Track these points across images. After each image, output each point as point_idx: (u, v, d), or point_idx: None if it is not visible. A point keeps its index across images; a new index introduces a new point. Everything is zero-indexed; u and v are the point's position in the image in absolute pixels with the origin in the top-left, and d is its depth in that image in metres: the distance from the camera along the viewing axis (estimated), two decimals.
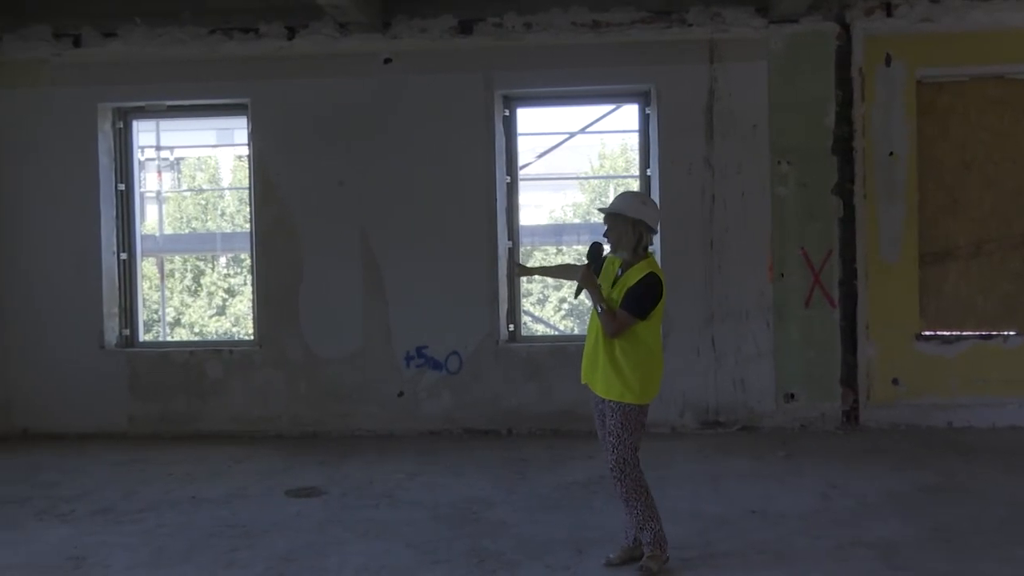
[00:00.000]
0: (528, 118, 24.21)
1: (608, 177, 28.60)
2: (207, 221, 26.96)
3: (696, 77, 8.84)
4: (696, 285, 8.85)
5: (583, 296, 5.44)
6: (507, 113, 9.25)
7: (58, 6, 9.06)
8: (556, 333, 23.02)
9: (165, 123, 17.31)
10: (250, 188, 9.39)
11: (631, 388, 5.07)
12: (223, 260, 26.67)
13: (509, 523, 6.16)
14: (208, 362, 9.27)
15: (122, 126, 9.57)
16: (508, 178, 9.27)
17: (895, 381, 8.86)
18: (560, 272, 5.80)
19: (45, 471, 7.86)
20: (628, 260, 5.15)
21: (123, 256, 9.57)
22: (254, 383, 9.20)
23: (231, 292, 26.43)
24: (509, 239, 9.27)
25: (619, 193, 5.33)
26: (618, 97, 10.10)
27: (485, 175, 9.04)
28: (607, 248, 5.32)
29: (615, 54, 8.86)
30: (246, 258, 23.56)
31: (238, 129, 22.09)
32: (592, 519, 6.23)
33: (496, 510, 6.47)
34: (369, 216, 9.07)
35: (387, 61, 9.04)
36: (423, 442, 8.73)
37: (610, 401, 5.11)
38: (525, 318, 9.96)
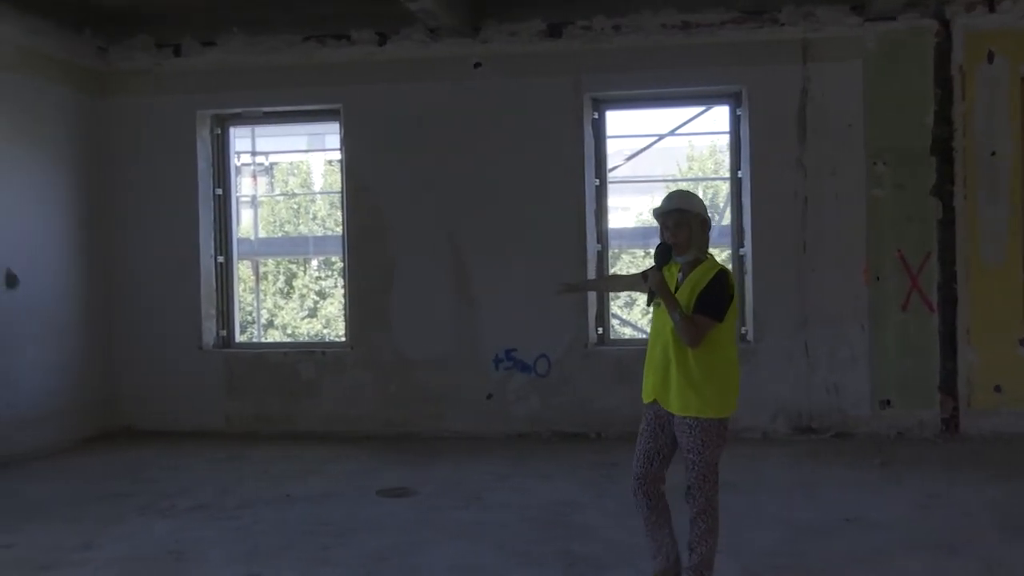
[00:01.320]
0: (616, 120, 24.10)
1: (696, 179, 28.32)
2: (299, 225, 27.46)
3: (789, 77, 8.71)
4: (788, 288, 8.72)
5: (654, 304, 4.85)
6: (596, 116, 9.24)
7: (161, 18, 9.35)
8: (645, 336, 22.83)
9: (260, 129, 17.70)
10: (342, 192, 9.55)
11: (710, 402, 4.58)
12: (314, 263, 27.12)
13: (598, 527, 6.14)
14: (301, 363, 9.45)
15: (220, 132, 9.82)
16: (597, 181, 9.25)
17: (997, 388, 8.59)
18: (612, 285, 5.46)
19: (147, 467, 8.11)
20: (691, 261, 4.69)
21: (220, 259, 9.82)
22: (345, 384, 9.35)
23: (322, 294, 26.86)
24: (598, 242, 9.26)
25: (672, 192, 4.85)
26: (708, 98, 10.00)
27: (574, 178, 9.04)
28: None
29: (705, 55, 8.79)
30: (337, 261, 23.95)
31: (329, 134, 22.46)
32: (682, 524, 6.16)
33: (585, 513, 6.45)
34: (458, 219, 9.15)
35: (477, 65, 9.11)
36: (511, 444, 8.76)
37: (687, 418, 4.60)
38: (613, 321, 9.90)
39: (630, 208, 28.43)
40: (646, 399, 4.80)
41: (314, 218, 27.61)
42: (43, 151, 8.84)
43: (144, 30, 9.46)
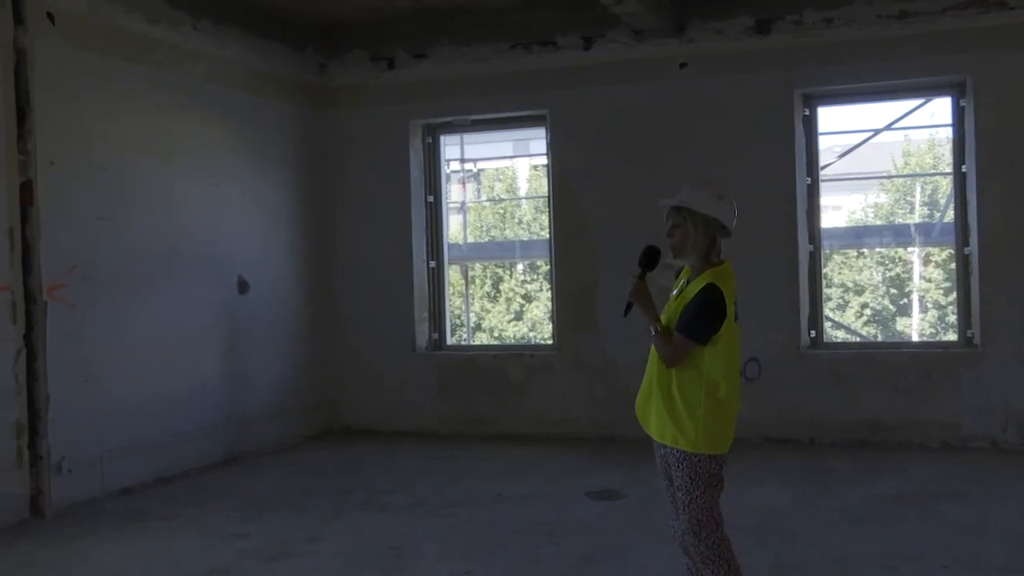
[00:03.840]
0: (828, 116, 23.29)
1: (913, 176, 27.00)
2: (505, 230, 27.98)
3: (1019, 64, 8.17)
4: (1018, 289, 8.17)
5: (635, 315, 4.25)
6: (807, 112, 8.96)
7: (375, 33, 9.75)
8: (859, 340, 21.98)
9: (468, 136, 18.16)
10: (549, 196, 9.67)
11: (685, 433, 3.94)
12: (520, 267, 27.56)
13: (813, 535, 5.96)
14: (510, 365, 9.62)
15: (431, 141, 10.14)
16: (808, 179, 8.97)
17: None
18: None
19: (365, 465, 8.46)
20: (697, 268, 4.07)
21: (432, 264, 10.14)
22: (553, 386, 9.45)
23: (527, 298, 27.25)
24: (810, 243, 8.97)
25: (689, 182, 4.28)
26: (928, 90, 9.54)
27: (784, 177, 8.80)
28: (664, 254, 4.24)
29: (924, 45, 8.36)
30: (542, 265, 24.25)
31: (534, 140, 22.79)
32: (905, 535, 5.91)
33: (799, 521, 6.27)
34: (664, 220, 9.05)
35: (682, 65, 9.01)
36: None
37: (673, 449, 3.99)
38: (826, 323, 9.57)
39: (842, 207, 27.40)
40: (638, 416, 4.24)
41: (519, 223, 28.06)
42: (269, 164, 9.39)
43: (360, 45, 9.88)
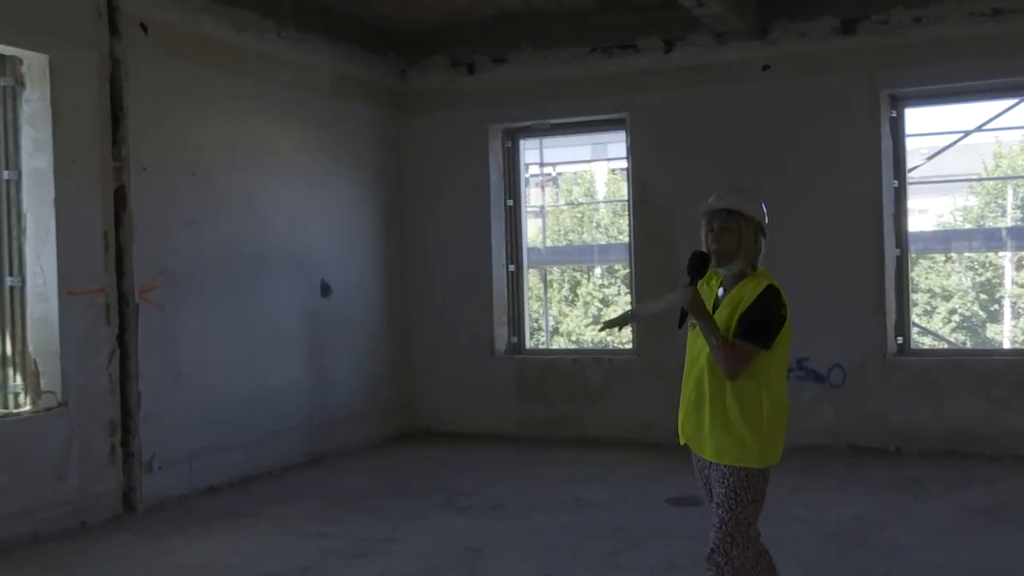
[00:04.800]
0: (916, 118, 22.78)
1: (1005, 178, 26.26)
2: (583, 233, 27.95)
3: None
4: None
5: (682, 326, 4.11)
6: (894, 114, 8.78)
7: (455, 38, 9.83)
8: (948, 346, 21.45)
9: (546, 140, 18.16)
10: (628, 200, 9.63)
11: (749, 449, 3.79)
12: (598, 271, 27.51)
13: (903, 547, 5.83)
14: (589, 369, 9.60)
15: (510, 145, 10.18)
16: (895, 182, 8.79)
17: None
18: (645, 309, 4.52)
19: (444, 467, 8.52)
20: (736, 275, 3.96)
21: (511, 268, 10.17)
22: (632, 391, 9.40)
23: (605, 302, 27.18)
24: (897, 246, 8.79)
25: (729, 188, 4.12)
26: (1021, 90, 9.24)
27: (870, 180, 8.64)
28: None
29: (1018, 43, 8.13)
30: (620, 269, 24.17)
31: (612, 143, 22.73)
32: (996, 549, 5.75)
33: (887, 532, 6.14)
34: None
35: (765, 68, 8.90)
36: (803, 456, 8.46)
37: (721, 465, 3.84)
38: (913, 330, 9.35)
39: (929, 210, 26.77)
40: (681, 439, 4.08)
41: (597, 226, 28.00)
42: (351, 168, 9.52)
43: (440, 51, 9.97)
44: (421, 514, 6.88)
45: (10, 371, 6.56)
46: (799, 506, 6.82)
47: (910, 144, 9.54)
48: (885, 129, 8.70)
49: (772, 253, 9.39)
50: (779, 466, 8.54)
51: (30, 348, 6.58)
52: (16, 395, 6.57)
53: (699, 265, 3.94)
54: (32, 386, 6.56)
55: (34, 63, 6.55)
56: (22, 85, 6.57)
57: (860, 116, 8.65)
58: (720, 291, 3.98)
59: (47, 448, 6.44)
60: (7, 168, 6.56)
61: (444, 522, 6.68)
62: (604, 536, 6.20)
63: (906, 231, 8.89)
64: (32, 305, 6.58)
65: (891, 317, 8.70)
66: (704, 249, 3.97)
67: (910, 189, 9.16)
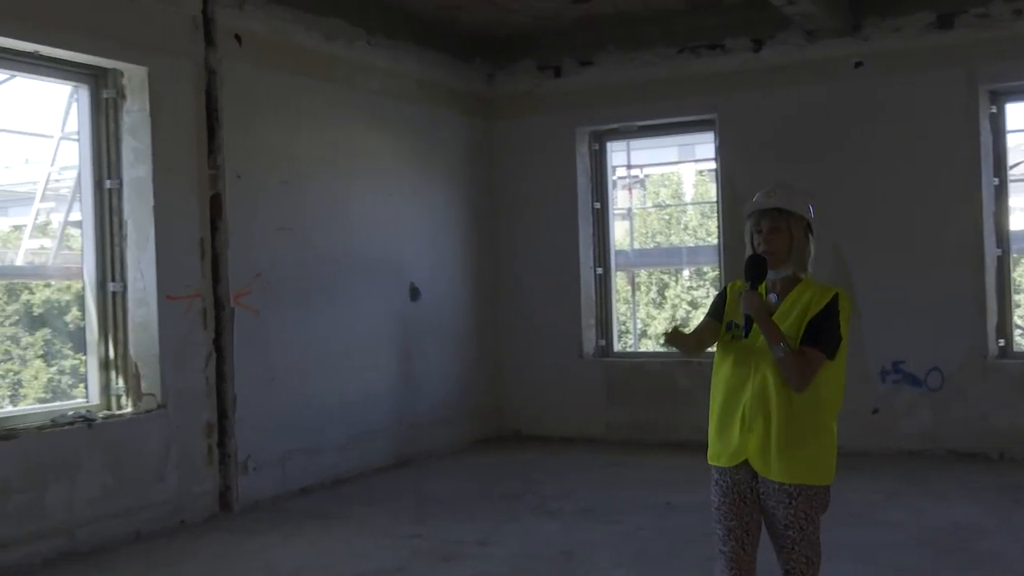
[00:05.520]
0: (1018, 113, 22.04)
1: None
2: (670, 235, 27.73)
3: None
4: None
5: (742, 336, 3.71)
6: (994, 109, 8.53)
7: (541, 42, 9.85)
8: None
9: (633, 142, 18.06)
10: (717, 201, 9.54)
11: (819, 466, 3.57)
12: (686, 273, 27.26)
13: (1006, 556, 5.65)
14: (678, 372, 9.52)
15: (598, 148, 10.16)
16: (996, 180, 8.53)
17: None
18: (698, 340, 3.95)
19: (534, 470, 8.53)
20: (788, 279, 3.68)
21: (599, 271, 10.14)
22: None
23: (694, 304, 26.90)
24: (998, 246, 8.53)
25: (776, 185, 3.81)
26: None
27: (968, 178, 8.40)
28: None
29: None
30: (708, 271, 23.89)
31: (699, 144, 22.47)
32: None
33: (989, 540, 5.96)
34: (840, 225, 8.78)
35: (858, 65, 8.73)
36: (900, 461, 8.28)
37: (787, 485, 3.56)
38: (1015, 332, 9.07)
39: None
40: (726, 462, 3.77)
41: (685, 228, 27.75)
42: (439, 173, 9.61)
43: (527, 55, 10.00)
44: (512, 517, 6.90)
45: (112, 374, 6.77)
46: (897, 512, 6.67)
47: (1011, 140, 9.27)
48: (985, 125, 8.45)
49: (868, 254, 9.21)
50: (876, 471, 8.38)
51: (131, 351, 6.79)
52: (118, 397, 6.78)
53: (758, 269, 3.63)
54: (133, 388, 6.77)
55: (134, 75, 6.77)
56: (123, 97, 6.78)
57: (958, 112, 8.42)
58: (772, 297, 3.67)
59: (148, 449, 6.63)
60: (109, 177, 6.77)
61: (535, 525, 6.68)
62: (695, 541, 6.13)
63: (1007, 230, 8.62)
64: (133, 310, 6.79)
65: (992, 318, 8.44)
66: (751, 252, 3.69)
67: (1012, 187, 8.87)
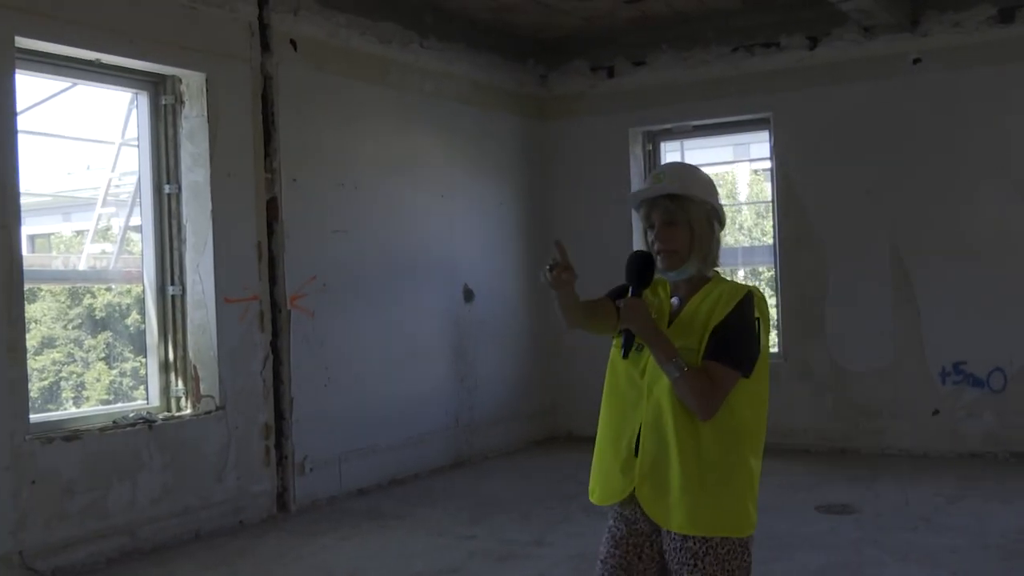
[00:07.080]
0: None
1: None
2: (726, 235, 27.53)
3: None
4: None
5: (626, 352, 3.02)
6: None
7: (595, 42, 9.83)
8: None
9: (688, 142, 17.96)
10: (772, 201, 9.44)
11: (728, 511, 2.84)
12: (741, 272, 27.03)
13: None
14: None
15: (651, 148, 10.11)
16: None
17: None
18: (587, 312, 3.11)
19: (585, 470, 8.48)
20: (692, 280, 2.97)
21: None
22: (780, 396, 9.14)
23: None
24: None
25: (662, 168, 3.07)
26: None
27: None
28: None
29: None
30: (763, 271, 23.67)
31: (754, 143, 22.24)
32: None
33: None
34: (898, 224, 8.67)
35: (916, 61, 8.59)
36: (962, 464, 8.13)
37: (691, 539, 2.82)
38: None
39: None
40: (612, 498, 3.00)
41: (740, 228, 27.53)
42: (492, 174, 9.63)
43: (579, 55, 9.98)
44: (566, 517, 6.89)
45: (172, 376, 6.89)
46: (959, 515, 6.55)
47: None
48: None
49: (927, 254, 9.03)
50: (937, 474, 8.24)
51: (190, 354, 6.89)
52: (178, 399, 6.88)
53: (641, 270, 2.92)
54: (192, 390, 6.87)
55: (192, 81, 6.87)
56: (181, 103, 6.90)
57: (1021, 108, 8.25)
58: (674, 301, 3.00)
59: (207, 450, 6.73)
60: (168, 182, 6.89)
61: (589, 526, 6.64)
62: (758, 544, 6.07)
63: None
64: (192, 312, 6.89)
65: None
66: (645, 248, 2.99)
67: None
